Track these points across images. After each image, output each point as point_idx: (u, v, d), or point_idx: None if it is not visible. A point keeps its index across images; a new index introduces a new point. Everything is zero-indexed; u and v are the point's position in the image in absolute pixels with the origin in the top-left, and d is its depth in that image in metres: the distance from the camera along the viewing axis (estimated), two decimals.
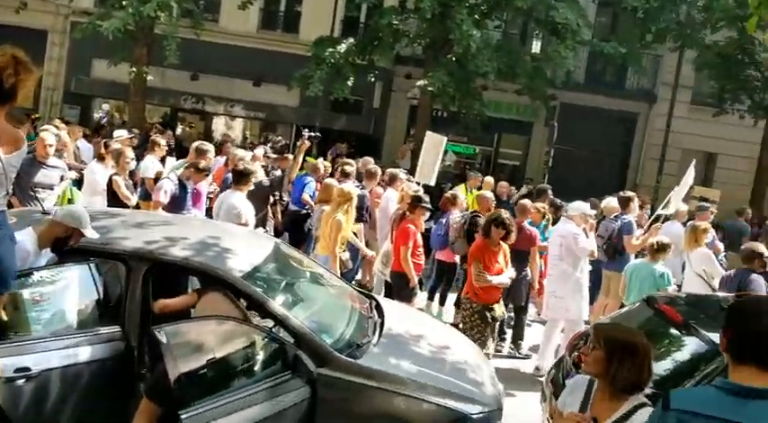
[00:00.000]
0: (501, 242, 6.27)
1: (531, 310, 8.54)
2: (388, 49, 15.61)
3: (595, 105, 18.68)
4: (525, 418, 5.33)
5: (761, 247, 6.75)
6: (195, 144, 8.57)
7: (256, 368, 3.84)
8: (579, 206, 7.58)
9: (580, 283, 7.28)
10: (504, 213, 6.34)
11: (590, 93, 18.57)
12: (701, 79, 17.82)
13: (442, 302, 8.44)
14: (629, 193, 9.09)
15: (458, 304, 8.11)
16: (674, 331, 4.66)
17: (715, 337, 3.64)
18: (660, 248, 6.64)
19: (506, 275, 6.27)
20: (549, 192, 9.96)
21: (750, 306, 2.34)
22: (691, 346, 4.39)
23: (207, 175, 7.61)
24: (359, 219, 7.97)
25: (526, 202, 8.44)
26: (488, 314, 6.14)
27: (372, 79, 16.73)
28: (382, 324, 4.74)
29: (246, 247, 4.68)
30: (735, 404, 2.10)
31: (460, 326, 7.78)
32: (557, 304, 7.22)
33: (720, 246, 9.40)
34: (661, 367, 4.27)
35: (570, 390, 3.20)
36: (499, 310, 6.31)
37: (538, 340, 7.54)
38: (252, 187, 7.00)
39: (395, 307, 5.52)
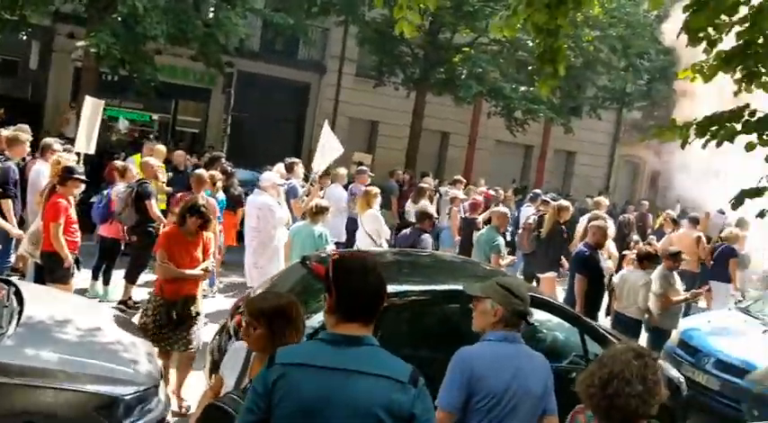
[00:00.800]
0: (201, 231, 5.47)
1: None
2: (42, 5, 13.77)
3: (271, 74, 19.04)
4: (199, 389, 5.32)
5: (430, 208, 7.65)
6: None
7: None
8: (270, 177, 7.69)
9: (278, 250, 7.43)
10: (201, 200, 5.69)
11: (265, 62, 18.86)
12: (364, 53, 19.36)
13: (106, 282, 7.95)
14: (294, 159, 9.60)
15: (131, 279, 7.69)
16: None
17: None
18: (318, 211, 7.02)
19: (199, 268, 5.41)
20: (223, 159, 9.98)
21: (355, 265, 2.36)
22: None
23: None
24: (4, 194, 7.04)
25: (201, 172, 8.26)
26: (172, 312, 5.20)
27: (25, 37, 14.72)
28: (21, 312, 4.29)
29: None
30: (333, 353, 2.24)
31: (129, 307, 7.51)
32: (260, 274, 7.23)
33: None
34: (316, 320, 4.63)
35: (230, 356, 3.25)
36: (194, 308, 5.36)
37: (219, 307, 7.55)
38: None
39: (39, 291, 5.04)
